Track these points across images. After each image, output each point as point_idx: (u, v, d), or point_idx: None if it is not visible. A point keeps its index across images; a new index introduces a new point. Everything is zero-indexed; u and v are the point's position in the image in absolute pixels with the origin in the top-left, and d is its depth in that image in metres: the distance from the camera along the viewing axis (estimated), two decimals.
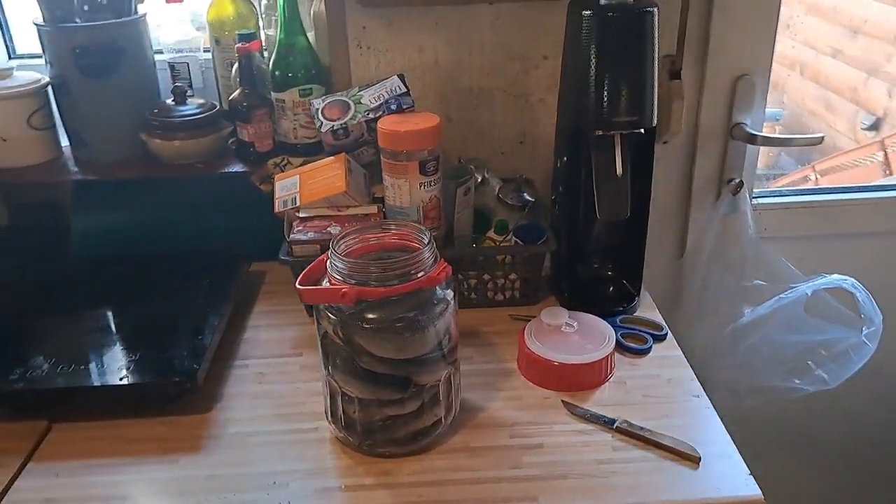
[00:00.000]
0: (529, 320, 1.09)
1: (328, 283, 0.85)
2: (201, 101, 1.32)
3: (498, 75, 1.33)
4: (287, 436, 0.95)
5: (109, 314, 1.14)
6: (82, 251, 1.33)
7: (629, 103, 1.03)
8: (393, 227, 0.91)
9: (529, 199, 1.26)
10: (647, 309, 1.20)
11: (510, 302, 1.20)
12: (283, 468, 0.89)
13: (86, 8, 1.24)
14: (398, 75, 1.20)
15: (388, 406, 0.87)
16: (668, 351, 1.09)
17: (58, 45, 1.23)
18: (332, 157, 1.19)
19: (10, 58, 1.46)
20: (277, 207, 1.17)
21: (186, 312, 1.11)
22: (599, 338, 1.04)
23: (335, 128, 1.15)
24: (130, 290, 1.20)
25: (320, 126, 1.16)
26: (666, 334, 1.12)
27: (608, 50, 1.01)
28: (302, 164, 1.26)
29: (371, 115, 1.15)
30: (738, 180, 1.42)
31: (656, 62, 1.03)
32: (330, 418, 0.92)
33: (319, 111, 1.17)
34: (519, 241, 1.18)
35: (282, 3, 1.21)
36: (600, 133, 1.06)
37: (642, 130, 1.06)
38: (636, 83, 1.03)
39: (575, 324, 1.06)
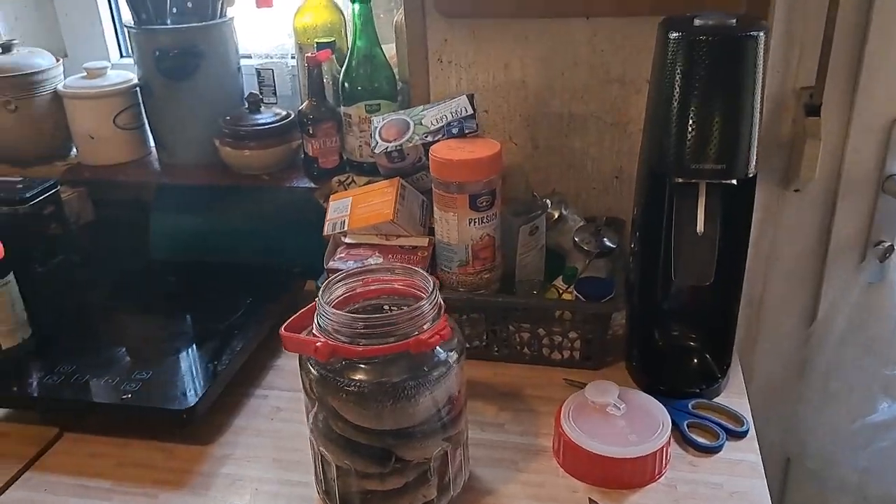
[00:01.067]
0: (582, 387, 0.93)
1: (313, 332, 0.74)
2: (278, 110, 1.27)
3: (593, 100, 1.16)
4: (275, 486, 0.86)
5: (143, 323, 1.12)
6: (157, 252, 1.33)
7: (718, 148, 0.84)
8: (398, 273, 0.79)
9: (610, 245, 1.08)
10: (735, 395, 0.98)
11: (568, 363, 1.04)
12: None
13: (174, 11, 1.22)
14: (467, 95, 1.07)
15: (367, 479, 0.76)
16: (744, 454, 0.88)
17: (142, 47, 1.23)
18: (386, 181, 1.09)
19: (121, 56, 1.50)
20: (327, 230, 1.09)
21: (215, 332, 1.06)
22: (651, 427, 0.86)
23: (389, 150, 1.05)
24: (175, 299, 1.18)
25: (374, 147, 1.06)
26: (746, 432, 0.91)
27: (696, 81, 0.82)
28: (366, 185, 1.16)
29: (429, 139, 1.04)
30: (888, 244, 1.15)
31: (758, 99, 0.83)
32: (314, 478, 0.82)
33: (378, 130, 1.07)
34: (580, 295, 1.01)
35: (355, 9, 1.12)
36: (681, 181, 0.87)
37: (734, 182, 0.86)
38: (728, 124, 0.83)
39: (623, 405, 0.88)
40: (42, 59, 1.30)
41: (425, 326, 0.73)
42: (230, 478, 0.88)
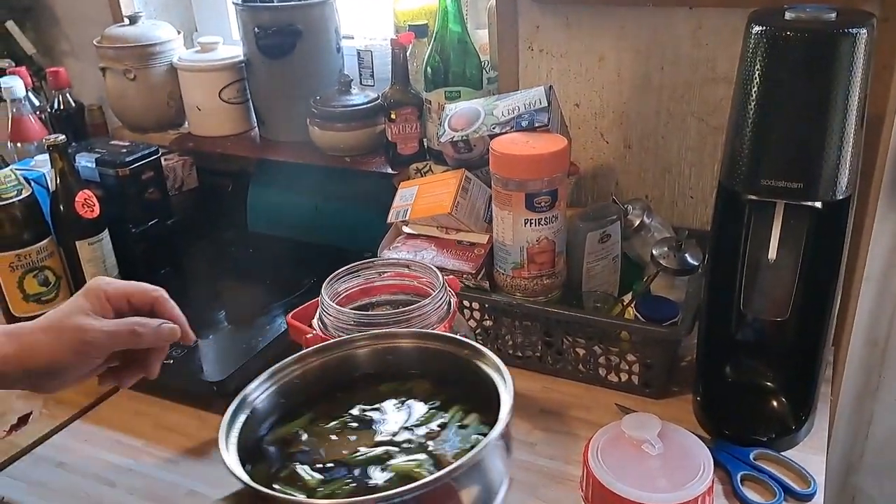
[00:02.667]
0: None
1: (312, 323, 0.73)
2: (370, 93, 1.26)
3: (695, 99, 1.05)
4: None
5: (209, 292, 1.16)
6: (254, 225, 1.37)
7: (795, 164, 0.72)
8: (414, 269, 0.75)
9: (693, 262, 0.97)
10: (811, 450, 0.85)
11: (625, 387, 0.95)
12: None
13: None
14: (546, 86, 1.00)
15: None
16: None
17: (245, 24, 1.26)
18: (451, 172, 1.04)
19: None
20: (391, 217, 1.07)
21: (270, 308, 1.07)
22: (688, 473, 0.76)
23: (455, 139, 1.01)
24: (247, 271, 1.21)
25: (441, 135, 1.02)
26: (812, 496, 0.78)
27: (777, 83, 0.71)
28: (443, 173, 1.13)
29: (497, 130, 0.98)
30: None
31: (853, 110, 0.70)
32: None
33: (448, 118, 1.03)
34: (640, 315, 0.91)
35: None
36: (753, 198, 0.75)
37: (818, 204, 0.73)
38: (810, 137, 0.71)
39: (660, 444, 0.78)
40: (162, 32, 1.37)
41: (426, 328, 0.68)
42: None
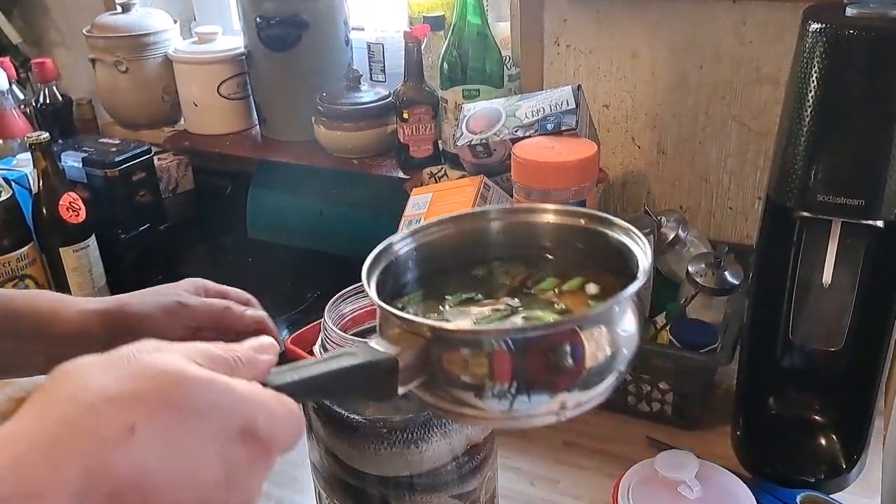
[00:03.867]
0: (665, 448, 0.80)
1: (313, 349, 0.69)
2: (381, 90, 1.22)
3: (737, 100, 1.01)
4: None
5: None
6: (254, 231, 1.34)
7: (856, 178, 0.68)
8: None
9: (733, 281, 0.93)
10: (863, 494, 0.81)
11: (657, 417, 0.91)
12: None
13: None
14: (574, 85, 0.96)
15: None
16: None
17: (247, 14, 1.23)
18: (468, 179, 1.01)
19: None
20: (401, 227, 1.03)
21: None
22: None
23: (473, 142, 0.97)
24: (247, 282, 1.16)
25: (458, 138, 0.98)
26: None
27: (836, 87, 0.67)
28: (460, 179, 1.09)
29: (519, 133, 0.94)
30: None
31: None
32: None
33: (466, 119, 1.00)
34: (674, 340, 0.87)
35: None
36: (806, 215, 0.71)
37: (880, 223, 0.69)
38: (873, 149, 0.67)
39: (699, 487, 0.74)
40: (157, 21, 1.34)
41: None
42: None
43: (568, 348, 0.45)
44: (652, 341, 0.91)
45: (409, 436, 0.64)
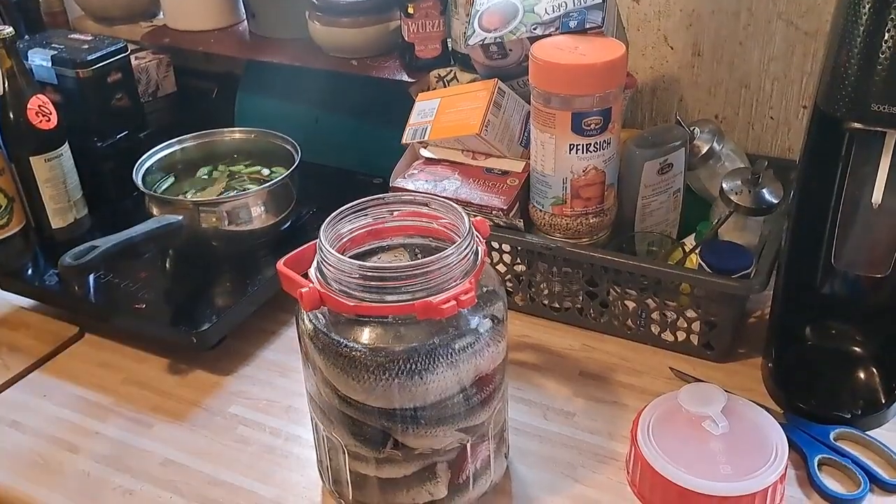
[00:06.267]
0: (692, 382, 0.81)
1: (309, 272, 0.68)
2: None
3: None
4: (277, 441, 0.84)
5: None
6: None
7: None
8: (433, 208, 0.70)
9: (772, 200, 0.92)
10: None
11: (683, 348, 0.91)
12: (246, 485, 0.79)
13: None
14: None
15: (359, 460, 0.70)
16: None
17: None
18: (481, 83, 0.98)
19: None
20: (406, 137, 1.01)
21: (261, 244, 1.03)
22: (758, 458, 0.73)
23: (486, 41, 0.94)
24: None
25: (469, 36, 0.95)
26: None
27: None
28: (469, 83, 1.07)
29: (539, 31, 0.91)
30: None
31: None
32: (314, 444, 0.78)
33: (478, 15, 0.96)
34: (704, 264, 0.86)
35: None
36: (858, 126, 0.69)
37: None
38: None
39: (725, 422, 0.75)
40: None
41: (446, 286, 0.64)
42: (234, 420, 0.86)
43: None
44: (679, 265, 0.90)
45: (413, 366, 0.65)
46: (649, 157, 0.92)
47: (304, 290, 0.65)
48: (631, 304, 0.92)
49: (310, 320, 0.68)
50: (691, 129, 0.99)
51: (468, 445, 0.70)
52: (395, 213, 0.72)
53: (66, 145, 1.13)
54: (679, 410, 0.77)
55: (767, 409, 0.80)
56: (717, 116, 1.06)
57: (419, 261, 0.65)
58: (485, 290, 0.69)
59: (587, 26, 0.90)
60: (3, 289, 1.04)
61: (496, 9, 0.96)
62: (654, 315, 0.91)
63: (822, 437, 0.80)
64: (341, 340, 0.65)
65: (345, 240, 0.71)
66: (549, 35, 0.91)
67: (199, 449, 0.83)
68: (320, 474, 0.76)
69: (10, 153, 1.11)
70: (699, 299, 0.87)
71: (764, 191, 0.92)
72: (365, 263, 0.64)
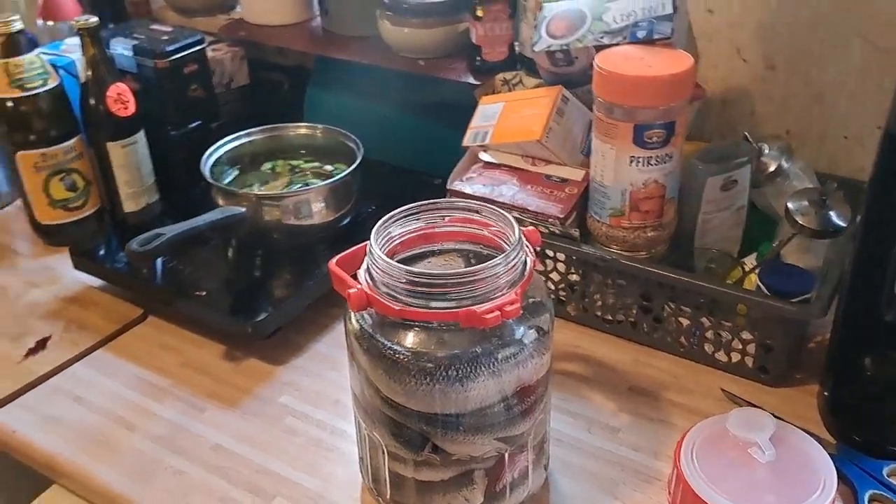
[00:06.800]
0: (743, 405, 0.80)
1: (357, 273, 0.69)
2: None
3: (864, 11, 0.94)
4: (323, 434, 0.85)
5: None
6: None
7: None
8: (484, 215, 0.70)
9: (839, 223, 0.89)
10: None
11: (736, 369, 0.89)
12: (290, 475, 0.80)
13: None
14: None
15: (398, 461, 0.71)
16: None
17: None
18: (544, 89, 0.98)
19: None
20: (467, 139, 1.01)
21: (323, 239, 1.04)
22: (804, 489, 0.71)
23: (552, 48, 0.93)
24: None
25: (535, 42, 0.94)
26: None
27: None
28: (535, 89, 1.06)
29: (604, 40, 0.90)
30: None
31: None
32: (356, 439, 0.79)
33: (546, 21, 0.96)
34: (762, 286, 0.84)
35: None
36: None
37: None
38: None
39: (772, 450, 0.73)
40: None
41: (492, 295, 0.64)
42: (284, 410, 0.88)
43: None
44: (737, 285, 0.88)
45: (455, 373, 0.65)
46: (713, 173, 0.91)
47: (352, 290, 0.65)
48: (685, 322, 0.90)
49: (357, 320, 0.68)
50: (759, 145, 0.96)
51: (506, 455, 0.70)
52: (447, 219, 0.72)
53: (142, 132, 1.16)
54: (726, 434, 0.76)
55: (819, 439, 0.77)
56: (789, 132, 1.03)
57: (465, 269, 0.65)
58: (532, 301, 0.69)
59: (655, 37, 0.88)
60: (76, 268, 1.07)
61: (564, 15, 0.95)
62: (709, 334, 0.89)
63: (875, 471, 0.77)
64: (386, 343, 0.66)
65: (395, 242, 0.71)
66: (617, 44, 0.90)
67: (249, 436, 0.85)
68: (361, 471, 0.77)
69: (89, 138, 1.15)
70: (756, 321, 0.85)
71: (831, 213, 0.89)
72: (412, 269, 0.64)
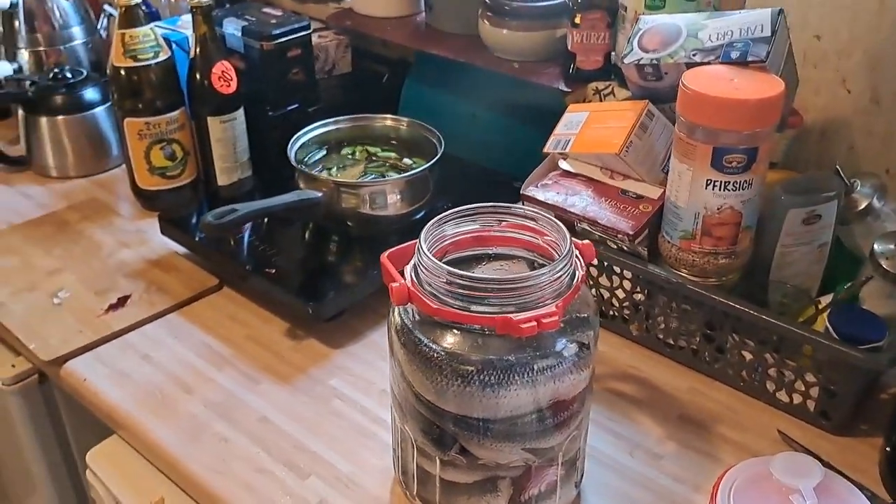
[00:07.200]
0: (798, 450, 0.78)
1: (404, 269, 0.70)
2: None
3: None
4: (365, 421, 0.87)
5: None
6: None
7: None
8: (535, 224, 0.70)
9: None
10: None
11: (797, 411, 0.86)
12: (327, 456, 0.82)
13: None
14: (775, 9, 0.88)
15: (426, 457, 0.71)
16: None
17: None
18: (631, 102, 0.96)
19: None
20: (548, 146, 1.01)
21: (396, 230, 1.06)
22: None
23: (642, 62, 0.91)
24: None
25: (626, 54, 0.93)
26: None
27: None
28: (623, 101, 1.04)
29: (696, 58, 0.88)
30: None
31: None
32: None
33: (639, 34, 0.94)
34: (831, 328, 0.80)
35: None
36: None
37: None
38: None
39: (814, 500, 0.70)
40: None
41: (534, 304, 0.63)
42: (333, 392, 0.90)
43: None
44: (806, 324, 0.84)
45: (487, 378, 0.65)
46: (795, 205, 0.87)
47: (394, 284, 0.66)
48: (748, 356, 0.87)
49: (399, 315, 0.69)
50: (852, 181, 0.92)
51: (534, 466, 0.69)
52: (503, 224, 0.72)
53: (241, 110, 1.21)
54: (769, 477, 0.73)
55: (873, 496, 0.73)
56: (889, 171, 0.97)
57: (508, 276, 0.64)
58: (577, 315, 0.68)
59: (749, 59, 0.85)
60: (163, 233, 1.13)
61: (658, 29, 0.93)
62: (771, 371, 0.86)
63: None
64: (423, 339, 0.66)
65: (448, 242, 0.72)
66: (709, 63, 0.87)
67: (295, 413, 0.87)
68: (392, 462, 0.78)
69: (192, 111, 1.20)
70: (821, 364, 0.81)
71: None
72: (454, 270, 0.64)
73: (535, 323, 0.62)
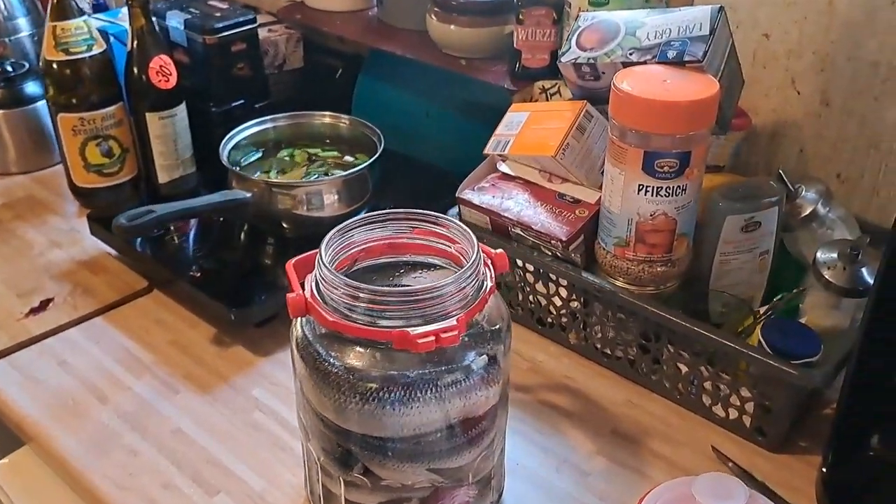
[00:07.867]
0: (731, 468, 0.76)
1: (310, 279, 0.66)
2: None
3: None
4: (284, 434, 0.83)
5: None
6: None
7: None
8: (442, 230, 0.66)
9: (869, 281, 0.80)
10: None
11: (732, 426, 0.82)
12: (239, 471, 0.79)
13: None
14: (716, 7, 0.84)
15: (330, 478, 0.68)
16: None
17: None
18: (570, 103, 0.92)
19: None
20: (488, 147, 0.97)
21: None
22: None
23: (578, 61, 0.88)
24: None
25: (564, 53, 0.89)
26: None
27: None
28: (564, 101, 1.01)
29: (633, 57, 0.84)
30: None
31: None
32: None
33: (578, 32, 0.90)
34: (764, 342, 0.77)
35: None
36: None
37: None
38: None
39: None
40: None
41: (437, 318, 0.60)
42: (254, 403, 0.86)
43: None
44: (740, 337, 0.81)
45: (388, 395, 0.61)
46: (733, 212, 0.83)
47: (290, 295, 0.63)
48: (683, 368, 0.83)
49: (301, 326, 0.66)
50: (797, 186, 0.88)
51: (441, 487, 0.66)
52: (414, 230, 0.68)
53: (183, 106, 1.17)
54: (691, 500, 0.69)
55: None
56: (840, 176, 0.94)
57: (409, 288, 0.61)
58: (487, 328, 0.65)
59: (686, 59, 0.81)
60: (92, 234, 1.09)
61: (597, 27, 0.89)
62: (707, 385, 0.82)
63: None
64: (322, 353, 0.63)
65: (359, 248, 0.68)
66: (646, 62, 0.83)
67: (211, 425, 0.84)
68: (304, 480, 0.75)
69: (130, 107, 1.16)
70: (755, 379, 0.78)
71: (863, 269, 0.81)
72: (352, 281, 0.61)
73: (433, 338, 0.58)
